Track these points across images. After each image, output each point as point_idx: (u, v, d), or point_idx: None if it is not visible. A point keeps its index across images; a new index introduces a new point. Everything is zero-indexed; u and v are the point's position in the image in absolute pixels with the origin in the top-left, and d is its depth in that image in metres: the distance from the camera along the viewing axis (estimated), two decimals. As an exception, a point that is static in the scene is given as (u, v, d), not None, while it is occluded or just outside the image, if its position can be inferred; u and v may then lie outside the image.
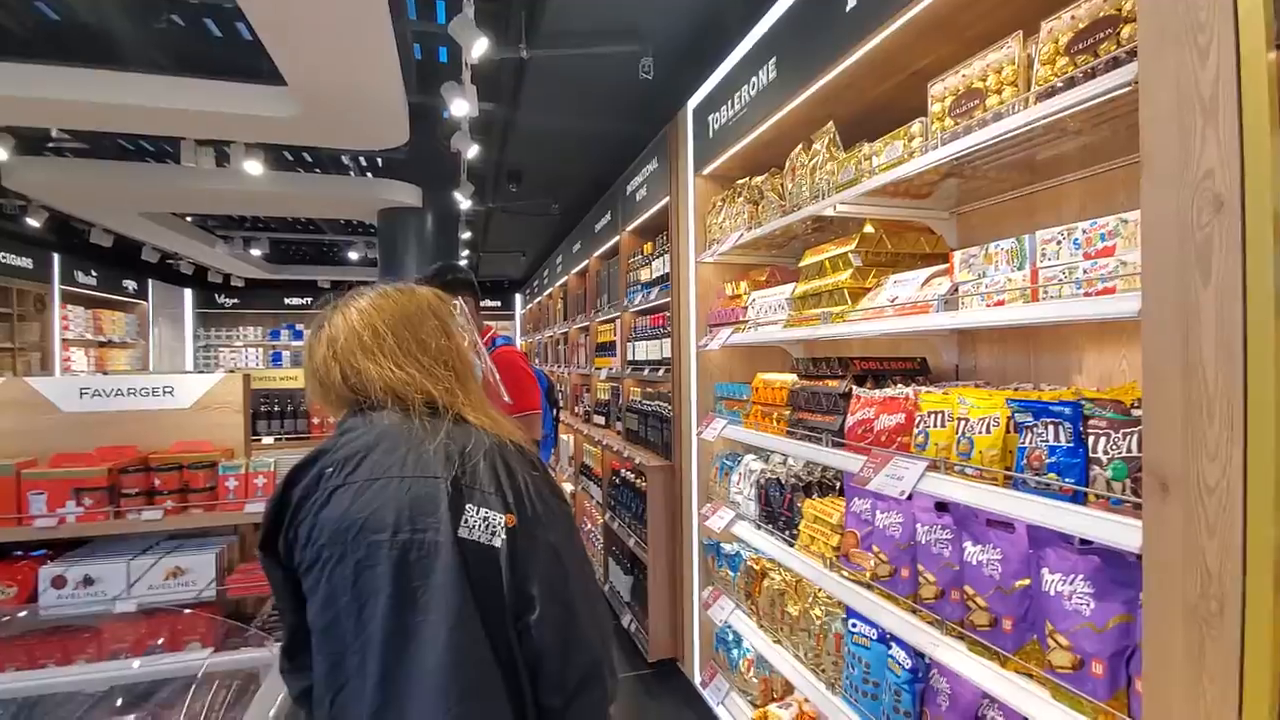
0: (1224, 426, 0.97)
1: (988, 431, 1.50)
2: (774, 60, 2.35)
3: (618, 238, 4.61)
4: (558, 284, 7.29)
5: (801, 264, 2.44)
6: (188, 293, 13.04)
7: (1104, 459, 1.24)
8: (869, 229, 2.11)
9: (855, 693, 1.92)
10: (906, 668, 1.77)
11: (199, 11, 4.31)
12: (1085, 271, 1.34)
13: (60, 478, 2.19)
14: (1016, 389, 1.69)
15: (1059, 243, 1.45)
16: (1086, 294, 1.33)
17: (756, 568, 2.63)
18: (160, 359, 12.06)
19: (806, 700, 2.46)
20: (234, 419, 2.58)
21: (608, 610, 3.67)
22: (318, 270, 13.27)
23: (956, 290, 1.68)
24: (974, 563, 1.56)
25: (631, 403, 4.31)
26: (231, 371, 2.68)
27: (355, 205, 7.62)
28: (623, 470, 4.17)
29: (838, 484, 2.38)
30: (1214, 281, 0.99)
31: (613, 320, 4.85)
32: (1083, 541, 1.32)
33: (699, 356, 3.14)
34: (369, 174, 7.60)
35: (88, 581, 2.14)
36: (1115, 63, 1.23)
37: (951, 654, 1.55)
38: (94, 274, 9.94)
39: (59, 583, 2.12)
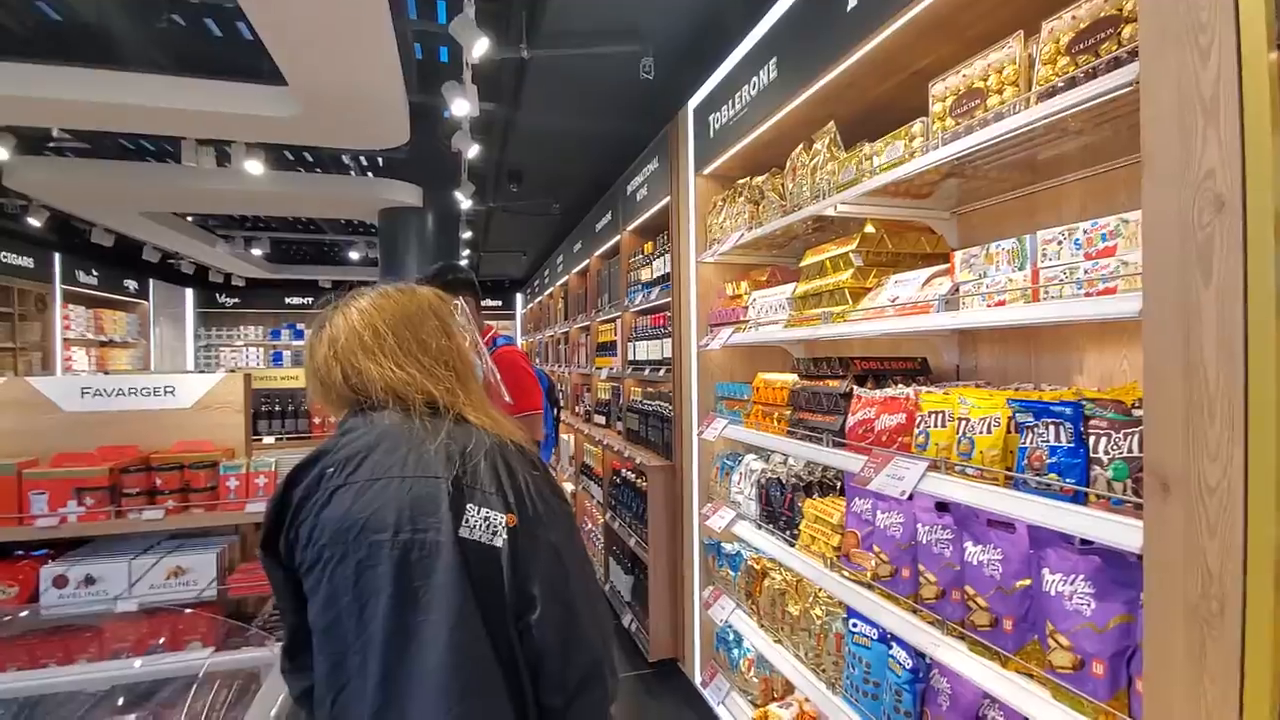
0: (1225, 427, 0.97)
1: (988, 431, 1.50)
2: (775, 60, 2.35)
3: (618, 237, 4.61)
4: (558, 284, 7.29)
5: (802, 264, 2.44)
6: (189, 292, 13.04)
7: (1105, 459, 1.24)
8: (870, 229, 2.11)
9: (856, 693, 1.92)
10: (907, 668, 1.77)
11: (199, 11, 4.31)
12: (1086, 272, 1.34)
13: (61, 477, 2.20)
14: (1017, 389, 1.69)
15: (1060, 243, 1.45)
16: (1087, 294, 1.33)
17: (757, 567, 2.63)
18: (161, 358, 12.06)
19: (807, 700, 2.46)
20: (235, 419, 2.58)
21: (608, 610, 3.64)
22: (318, 270, 13.26)
23: (957, 290, 1.68)
24: (975, 563, 1.56)
25: (632, 402, 4.31)
26: (232, 371, 2.68)
27: (356, 205, 7.62)
28: (623, 470, 4.17)
29: (838, 484, 2.38)
30: (1215, 281, 0.99)
31: (613, 320, 4.85)
32: (1083, 542, 1.32)
33: (700, 356, 3.14)
34: (369, 174, 7.59)
35: (89, 581, 2.14)
36: (1116, 63, 1.23)
37: (952, 654, 1.55)
38: (95, 274, 9.94)
39: (60, 582, 2.13)
